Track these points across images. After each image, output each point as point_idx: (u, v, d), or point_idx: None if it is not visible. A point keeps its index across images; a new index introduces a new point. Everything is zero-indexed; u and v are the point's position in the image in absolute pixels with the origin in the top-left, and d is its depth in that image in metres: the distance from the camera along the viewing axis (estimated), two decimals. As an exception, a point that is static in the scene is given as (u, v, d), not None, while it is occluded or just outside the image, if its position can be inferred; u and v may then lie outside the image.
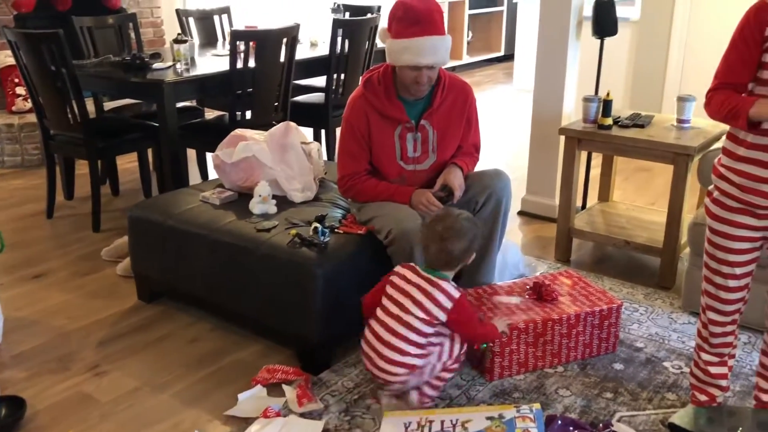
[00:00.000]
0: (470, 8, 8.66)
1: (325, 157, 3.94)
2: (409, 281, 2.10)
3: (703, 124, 3.07)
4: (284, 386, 2.30)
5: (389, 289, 2.13)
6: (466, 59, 8.79)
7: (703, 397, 2.09)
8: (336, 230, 2.48)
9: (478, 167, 2.70)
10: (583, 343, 2.44)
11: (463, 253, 2.10)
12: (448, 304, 2.05)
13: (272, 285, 2.40)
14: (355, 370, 2.42)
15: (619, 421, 2.14)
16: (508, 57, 8.84)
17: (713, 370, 2.05)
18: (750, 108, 1.70)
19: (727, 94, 1.78)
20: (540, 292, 2.48)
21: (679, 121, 3.08)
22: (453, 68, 8.62)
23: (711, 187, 1.94)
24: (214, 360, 2.52)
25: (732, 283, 1.92)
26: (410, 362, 2.06)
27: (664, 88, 4.92)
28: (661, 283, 3.01)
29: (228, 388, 2.35)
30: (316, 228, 2.43)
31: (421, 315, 2.05)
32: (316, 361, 2.41)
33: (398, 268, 2.17)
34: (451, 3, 8.40)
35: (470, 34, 8.91)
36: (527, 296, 2.50)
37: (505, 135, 5.65)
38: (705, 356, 2.05)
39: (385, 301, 2.13)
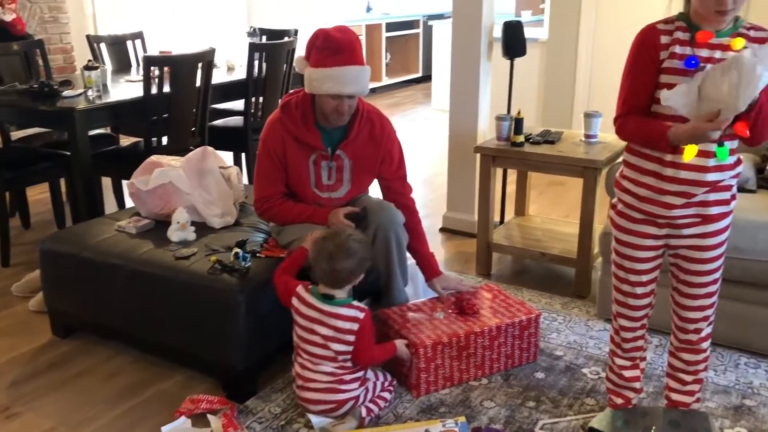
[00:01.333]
0: (387, 31, 8.82)
1: (245, 180, 3.92)
2: (311, 309, 2.16)
3: (610, 138, 3.23)
4: (209, 416, 2.25)
5: (299, 318, 2.19)
6: (386, 81, 8.92)
7: (619, 401, 2.18)
8: (258, 254, 2.47)
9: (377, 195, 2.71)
10: (505, 354, 2.51)
11: (350, 273, 2.14)
12: (355, 326, 2.10)
13: (193, 313, 2.36)
14: (282, 395, 2.39)
15: (541, 429, 2.20)
16: (426, 78, 9.03)
17: (627, 373, 2.15)
18: (668, 133, 1.76)
19: (637, 120, 1.84)
20: (462, 307, 2.53)
21: (587, 136, 3.23)
22: (373, 90, 8.73)
23: (614, 200, 2.02)
24: (135, 393, 2.45)
25: (639, 290, 2.01)
26: (345, 397, 2.11)
27: (574, 104, 5.13)
28: (577, 292, 3.13)
29: (151, 421, 2.28)
30: (236, 253, 2.41)
31: (340, 348, 2.09)
32: (241, 389, 2.37)
33: (299, 290, 2.19)
34: (369, 26, 8.53)
35: (388, 57, 9.06)
36: (450, 311, 2.54)
37: (425, 154, 5.76)
38: (618, 361, 2.14)
39: (300, 332, 2.17)
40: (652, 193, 1.86)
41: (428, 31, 8.96)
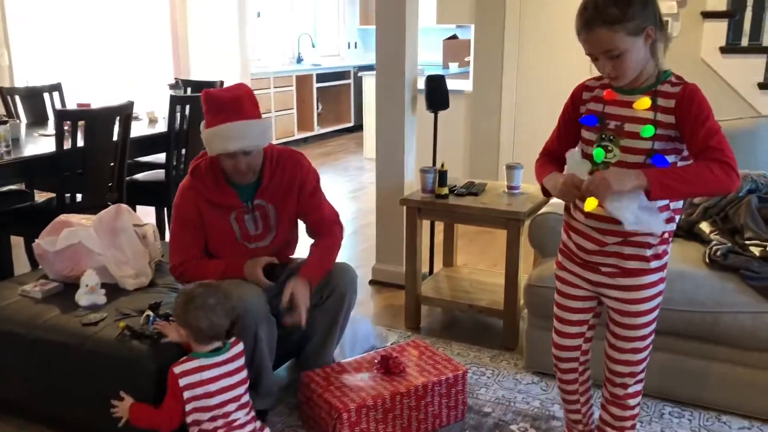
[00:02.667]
0: (318, 81, 8.87)
1: (167, 237, 3.78)
2: (214, 368, 2.10)
3: (532, 189, 3.26)
4: (117, 496, 2.09)
5: (208, 387, 2.08)
6: (318, 130, 8.93)
7: None
8: (170, 319, 2.34)
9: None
10: (432, 413, 2.44)
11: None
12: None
13: (102, 384, 2.21)
14: (198, 468, 2.25)
15: (469, 492, 2.13)
16: (358, 127, 9.09)
17: (571, 416, 2.17)
18: (543, 179, 1.88)
19: (541, 162, 1.98)
20: (387, 365, 2.47)
21: (510, 187, 3.26)
22: (305, 139, 8.72)
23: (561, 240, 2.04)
24: (36, 474, 2.26)
25: (568, 329, 2.02)
26: None
27: (499, 156, 5.22)
28: (506, 344, 3.11)
29: (52, 505, 2.10)
30: (147, 316, 2.29)
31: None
32: (154, 464, 2.22)
33: (187, 366, 2.07)
34: (299, 77, 8.56)
35: (320, 107, 9.08)
36: (375, 370, 2.47)
37: (356, 204, 5.73)
38: (568, 415, 2.18)
39: (216, 399, 2.09)
40: (574, 234, 1.92)
41: (359, 82, 9.06)
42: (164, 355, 2.18)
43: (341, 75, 9.35)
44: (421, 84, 3.70)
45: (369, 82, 7.83)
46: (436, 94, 3.67)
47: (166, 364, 2.16)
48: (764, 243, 2.53)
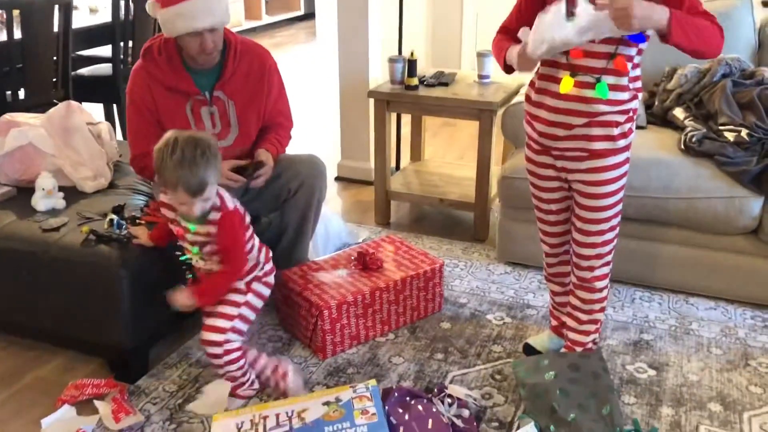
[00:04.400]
0: (265, -34, 8.36)
1: (119, 136, 3.59)
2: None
3: (503, 78, 3.16)
4: (96, 402, 2.04)
5: None
6: (266, 19, 8.51)
7: (554, 323, 2.26)
8: (138, 221, 2.23)
9: (293, 149, 2.55)
10: (411, 307, 2.44)
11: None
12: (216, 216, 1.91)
13: (69, 291, 2.11)
14: (177, 371, 2.22)
15: (451, 382, 2.16)
16: (310, 15, 8.68)
17: (557, 299, 2.21)
18: (505, 53, 1.85)
19: (498, 39, 1.94)
20: (365, 262, 2.43)
21: (480, 76, 3.15)
22: (253, 29, 8.30)
23: (525, 133, 2.01)
24: (8, 383, 2.19)
25: (551, 217, 2.05)
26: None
27: (461, 43, 5.05)
28: (477, 236, 3.11)
29: (29, 413, 2.05)
30: (111, 220, 2.17)
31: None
32: (130, 369, 2.18)
33: None
34: (245, -39, 8.04)
35: (268, -6, 8.62)
36: (353, 267, 2.44)
37: (314, 98, 5.54)
38: (550, 286, 2.22)
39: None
40: (539, 124, 1.89)
41: (309, -33, 8.58)
42: (135, 258, 2.08)
43: (289, -41, 8.84)
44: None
45: (320, -33, 7.39)
46: (401, -23, 3.46)
47: (137, 269, 2.08)
48: (738, 128, 2.52)
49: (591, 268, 1.98)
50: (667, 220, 2.52)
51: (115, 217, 2.20)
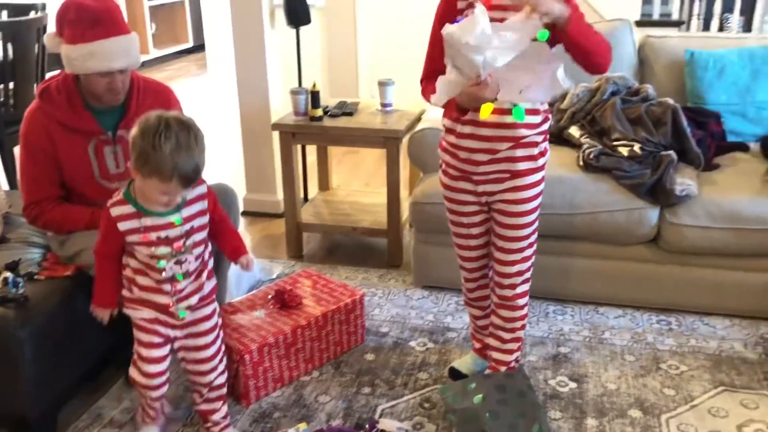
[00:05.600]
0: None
1: (5, 186, 3.35)
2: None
3: (405, 105, 3.21)
4: (0, 479, 1.87)
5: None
6: (154, 53, 8.26)
7: (477, 345, 2.29)
8: (36, 277, 2.08)
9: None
10: (333, 341, 2.40)
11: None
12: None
13: (-38, 359, 1.93)
14: (90, 434, 2.07)
15: (381, 415, 2.13)
16: (199, 47, 8.51)
17: (479, 322, 2.24)
18: (456, 98, 1.82)
19: (428, 83, 1.91)
20: (283, 300, 2.37)
21: (383, 105, 3.17)
22: (142, 64, 8.03)
23: (440, 161, 2.05)
24: None
25: (471, 242, 2.08)
26: None
27: (358, 72, 5.09)
28: (392, 263, 3.11)
29: None
30: (5, 279, 2.00)
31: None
32: (37, 438, 2.01)
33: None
34: (128, -6, 7.79)
35: (154, 27, 8.37)
36: (271, 306, 2.37)
37: (212, 132, 5.40)
38: (471, 310, 2.24)
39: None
40: (461, 151, 1.93)
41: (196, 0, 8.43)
42: (36, 318, 1.93)
43: (174, -9, 8.63)
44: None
45: (208, -2, 7.28)
46: (297, 7, 3.45)
47: (39, 329, 1.93)
48: (631, 143, 2.66)
49: (513, 286, 2.01)
50: (573, 235, 2.62)
51: (9, 274, 2.03)
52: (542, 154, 1.93)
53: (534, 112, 1.86)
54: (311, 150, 3.70)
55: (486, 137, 1.87)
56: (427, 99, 1.92)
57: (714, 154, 2.74)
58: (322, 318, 2.33)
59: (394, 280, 2.99)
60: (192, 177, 1.71)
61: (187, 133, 1.69)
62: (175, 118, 1.71)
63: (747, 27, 4.76)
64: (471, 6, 1.77)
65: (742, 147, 2.83)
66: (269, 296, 2.41)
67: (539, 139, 1.91)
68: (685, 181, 2.50)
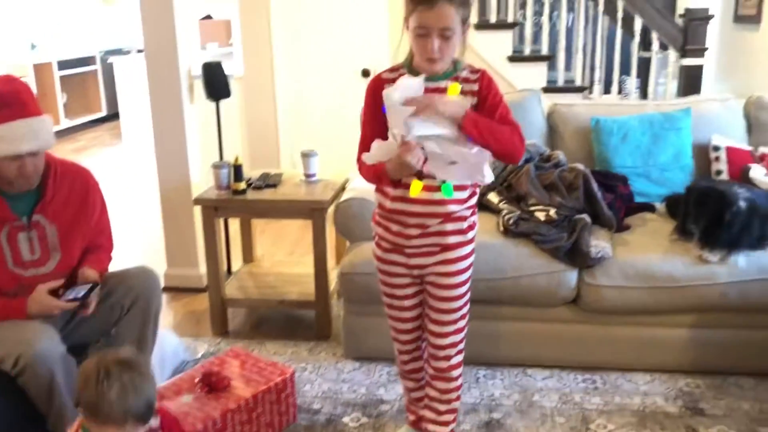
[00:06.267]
0: (60, 69, 7.97)
1: None
2: None
3: (328, 175, 3.24)
4: None
5: None
6: (66, 123, 8.05)
7: (411, 417, 2.26)
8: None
9: (116, 264, 2.39)
10: (265, 423, 2.33)
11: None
12: None
13: None
14: None
15: (319, 498, 2.07)
16: (112, 116, 8.36)
17: (413, 394, 2.23)
18: (386, 168, 1.86)
19: (364, 161, 1.93)
20: (211, 383, 2.29)
21: (307, 175, 3.19)
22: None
23: (374, 233, 2.07)
24: None
25: (405, 314, 2.08)
26: None
27: (279, 143, 5.12)
28: (321, 335, 3.07)
29: None
30: None
31: None
32: None
33: None
34: (37, 66, 7.61)
35: (65, 96, 8.18)
36: (198, 390, 2.29)
37: (130, 203, 5.27)
38: (405, 382, 2.22)
39: None
40: (393, 224, 1.96)
41: (108, 68, 8.30)
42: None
43: (85, 61, 8.50)
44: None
45: (121, 67, 7.21)
46: (216, 81, 3.46)
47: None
48: (547, 208, 2.77)
49: (448, 357, 2.03)
50: (499, 299, 2.67)
51: None
52: (471, 227, 1.98)
53: (462, 187, 1.92)
54: (234, 220, 3.66)
55: (416, 213, 1.91)
56: (363, 176, 1.98)
57: (624, 216, 2.89)
58: (252, 400, 2.26)
59: (325, 352, 2.95)
60: (147, 414, 1.64)
61: (130, 372, 1.61)
62: (114, 360, 1.63)
63: (643, 88, 5.11)
64: (400, 76, 1.86)
65: (650, 207, 3.00)
66: (196, 379, 2.33)
67: (468, 213, 1.96)
68: (599, 243, 2.61)
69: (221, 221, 3.27)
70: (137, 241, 4.37)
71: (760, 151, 3.03)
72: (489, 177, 1.86)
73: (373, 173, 1.92)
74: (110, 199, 2.22)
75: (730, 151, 3.02)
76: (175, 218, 3.53)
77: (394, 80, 1.85)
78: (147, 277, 2.31)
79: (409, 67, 1.88)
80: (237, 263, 3.63)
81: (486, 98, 1.87)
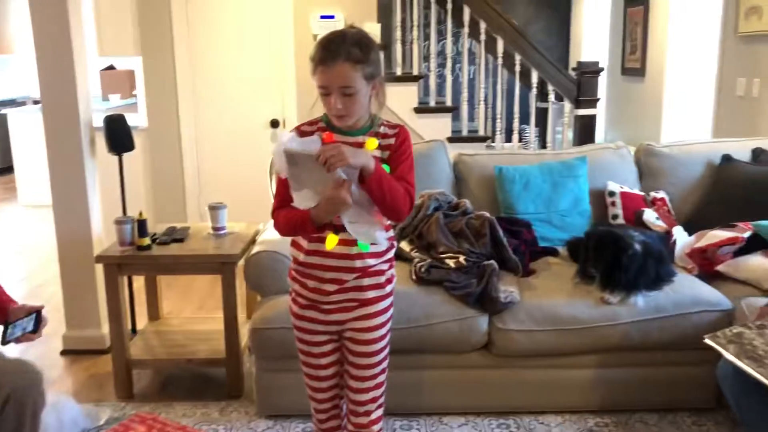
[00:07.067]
0: (-53, 120, 7.54)
1: None
2: None
3: (238, 228, 3.18)
4: None
5: None
6: (-47, 177, 7.58)
7: None
8: None
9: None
10: (174, 491, 2.22)
11: None
12: None
13: None
14: None
15: None
16: (6, 170, 7.95)
17: None
18: (310, 214, 1.81)
19: (285, 211, 1.89)
20: (114, 452, 2.17)
21: (215, 229, 3.13)
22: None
23: (290, 290, 2.03)
24: None
25: (322, 372, 2.02)
26: None
27: (185, 196, 5.01)
28: (232, 393, 2.97)
29: None
30: None
31: None
32: None
33: None
34: None
35: (-48, 149, 7.74)
36: (100, 461, 2.15)
37: (25, 262, 4.97)
38: None
39: None
40: (309, 280, 1.92)
41: (2, 119, 7.93)
42: None
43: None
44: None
45: (16, 119, 6.91)
46: (118, 133, 3.36)
47: None
48: (456, 255, 2.83)
49: (368, 413, 2.00)
50: (412, 348, 2.67)
51: None
52: (389, 281, 1.97)
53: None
54: (138, 276, 3.53)
55: (333, 267, 1.88)
56: (278, 229, 1.93)
57: (530, 260, 2.99)
58: (160, 467, 2.15)
59: (236, 412, 2.85)
60: None
61: None
62: None
63: (542, 137, 5.36)
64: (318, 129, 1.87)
65: (553, 251, 3.11)
66: (98, 449, 2.19)
67: (386, 266, 1.95)
68: (508, 288, 2.68)
69: (125, 278, 3.14)
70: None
71: (651, 195, 3.23)
72: (382, 245, 1.86)
73: (292, 224, 1.87)
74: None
75: (624, 196, 3.19)
76: (75, 277, 3.36)
77: (312, 132, 1.86)
78: (24, 374, 2.06)
79: (327, 121, 1.88)
80: (142, 321, 3.48)
81: (396, 151, 1.89)
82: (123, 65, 5.55)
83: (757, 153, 3.27)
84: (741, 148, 3.30)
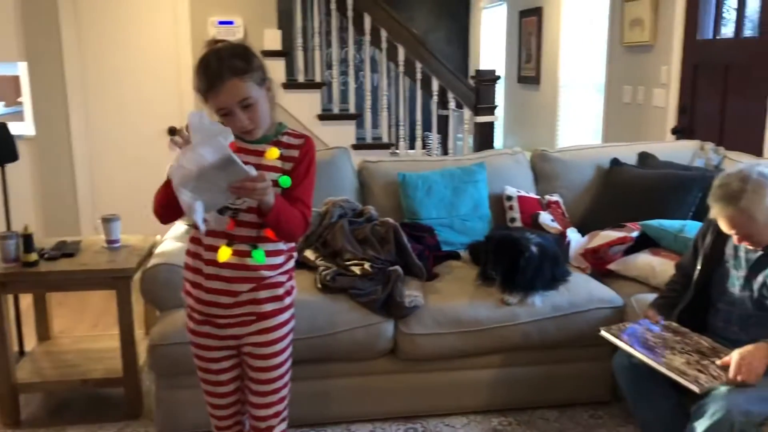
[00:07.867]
0: None
1: None
2: None
3: (134, 241, 3.06)
4: None
5: None
6: None
7: None
8: None
9: None
10: None
11: None
12: None
13: None
14: None
15: None
16: None
17: None
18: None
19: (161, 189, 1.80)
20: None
21: (109, 242, 2.99)
22: None
23: (185, 305, 1.96)
24: None
25: (221, 389, 1.97)
26: None
27: (78, 208, 4.77)
28: (131, 414, 2.83)
29: None
30: None
31: None
32: None
33: None
34: None
35: None
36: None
37: None
38: None
39: None
40: (201, 292, 1.86)
41: None
42: None
43: None
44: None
45: None
46: (1, 143, 3.15)
47: None
48: (361, 261, 2.82)
49: (270, 428, 1.96)
50: (317, 357, 2.65)
51: None
52: (288, 293, 1.93)
53: (276, 252, 1.87)
54: (25, 294, 3.31)
55: (227, 278, 1.83)
56: (155, 211, 1.82)
57: (433, 265, 3.03)
58: (51, 497, 2.02)
59: (136, 432, 2.73)
60: None
61: None
62: None
63: (444, 143, 5.46)
64: None
65: (455, 255, 3.17)
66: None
67: (283, 279, 1.90)
68: (412, 293, 2.70)
69: (10, 297, 2.94)
70: None
71: (547, 198, 3.35)
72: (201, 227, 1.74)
73: (162, 194, 1.77)
74: None
75: (521, 200, 3.30)
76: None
77: None
78: None
79: (236, 134, 1.82)
80: (31, 342, 3.27)
81: (299, 164, 1.84)
82: (5, 71, 5.24)
83: (643, 156, 3.46)
84: (628, 152, 3.48)
